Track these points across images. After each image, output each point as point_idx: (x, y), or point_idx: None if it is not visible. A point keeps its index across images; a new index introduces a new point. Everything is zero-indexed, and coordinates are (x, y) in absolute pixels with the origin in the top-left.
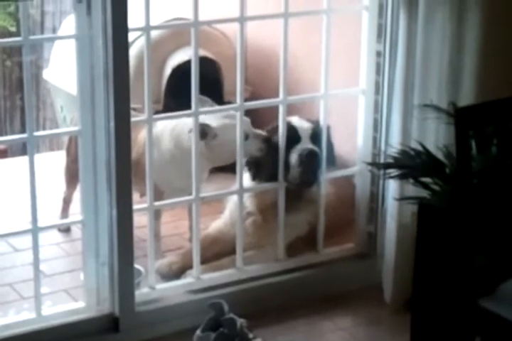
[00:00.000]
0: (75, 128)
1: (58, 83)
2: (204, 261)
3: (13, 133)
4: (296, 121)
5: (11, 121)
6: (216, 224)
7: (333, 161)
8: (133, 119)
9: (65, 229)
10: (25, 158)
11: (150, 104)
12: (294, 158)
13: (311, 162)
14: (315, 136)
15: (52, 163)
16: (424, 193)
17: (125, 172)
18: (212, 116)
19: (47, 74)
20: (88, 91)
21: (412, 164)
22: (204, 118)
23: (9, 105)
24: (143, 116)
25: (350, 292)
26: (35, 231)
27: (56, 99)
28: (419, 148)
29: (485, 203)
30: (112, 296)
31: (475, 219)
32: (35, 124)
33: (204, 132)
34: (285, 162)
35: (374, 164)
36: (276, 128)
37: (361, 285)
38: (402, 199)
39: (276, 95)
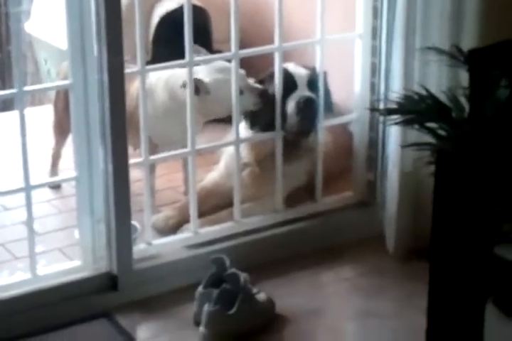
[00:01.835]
0: (66, 82)
1: (41, 36)
2: (201, 214)
3: None
4: (292, 67)
5: None
6: (211, 177)
7: (330, 108)
8: (125, 71)
9: (56, 186)
10: (7, 114)
11: (143, 54)
12: (291, 106)
13: (308, 109)
14: (312, 82)
15: (36, 119)
16: (428, 139)
17: (120, 126)
18: (206, 70)
19: (29, 27)
20: (78, 42)
21: (417, 109)
22: (196, 72)
23: None
24: (135, 68)
25: (352, 242)
26: (27, 189)
27: (39, 53)
28: (423, 92)
29: (501, 148)
30: (109, 254)
31: (492, 164)
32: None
33: (197, 88)
34: (282, 110)
35: (376, 110)
36: (272, 75)
37: (362, 235)
38: (408, 146)
39: (266, 43)
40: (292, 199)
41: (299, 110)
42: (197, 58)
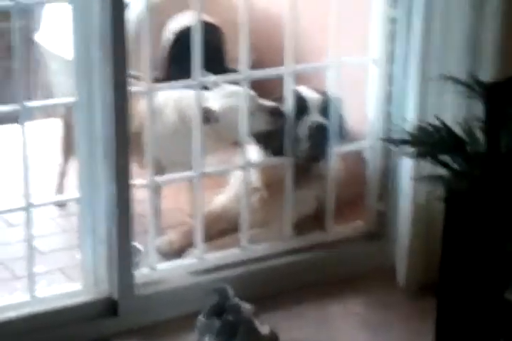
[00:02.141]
0: (70, 99)
1: (51, 47)
2: (207, 239)
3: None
4: (304, 91)
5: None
6: (220, 200)
7: (343, 135)
8: (131, 90)
9: (61, 204)
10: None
11: (150, 73)
12: (302, 131)
13: (319, 136)
14: (324, 108)
15: (49, 131)
16: (442, 171)
17: (123, 146)
18: (215, 95)
19: (39, 38)
20: (84, 58)
21: (431, 141)
22: (206, 98)
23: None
24: (142, 87)
25: (361, 274)
26: (28, 208)
27: (50, 64)
28: (437, 123)
29: None
30: (110, 278)
31: (505, 204)
32: (27, 91)
33: (206, 117)
34: (293, 134)
35: (389, 140)
36: (282, 98)
37: (372, 267)
38: (420, 179)
39: (283, 63)
40: (301, 226)
41: (310, 135)
42: (205, 79)
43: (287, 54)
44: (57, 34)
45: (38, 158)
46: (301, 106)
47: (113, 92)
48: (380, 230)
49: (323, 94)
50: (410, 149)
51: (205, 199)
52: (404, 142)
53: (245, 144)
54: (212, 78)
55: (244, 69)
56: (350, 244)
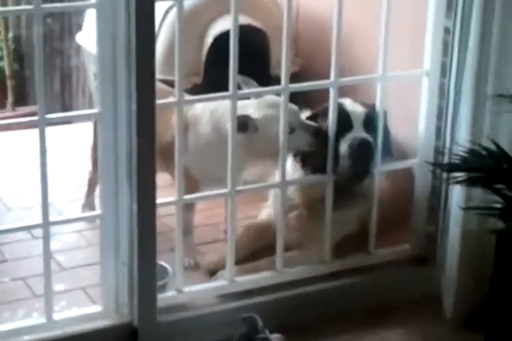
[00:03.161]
0: (94, 111)
1: (91, 48)
2: (248, 255)
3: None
4: (349, 104)
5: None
6: (264, 214)
7: (389, 151)
8: (159, 102)
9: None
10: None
11: (181, 84)
12: (344, 147)
13: (363, 152)
14: (369, 122)
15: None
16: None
17: (148, 162)
18: (255, 105)
19: (80, 39)
20: (109, 68)
21: (483, 166)
22: (245, 106)
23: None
24: (172, 99)
25: (404, 302)
26: (45, 226)
27: (89, 66)
28: (492, 146)
29: None
30: (131, 303)
31: None
32: (69, 92)
33: (245, 124)
34: (334, 152)
35: (438, 165)
36: (326, 110)
37: (416, 295)
38: (470, 208)
39: (330, 69)
40: (342, 248)
41: (352, 152)
42: (241, 92)
43: (333, 65)
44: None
45: (72, 161)
46: (344, 121)
47: (137, 104)
48: (429, 255)
49: (369, 107)
50: (460, 176)
51: (241, 214)
52: (454, 167)
53: (283, 159)
54: (252, 87)
55: (285, 82)
56: (394, 268)
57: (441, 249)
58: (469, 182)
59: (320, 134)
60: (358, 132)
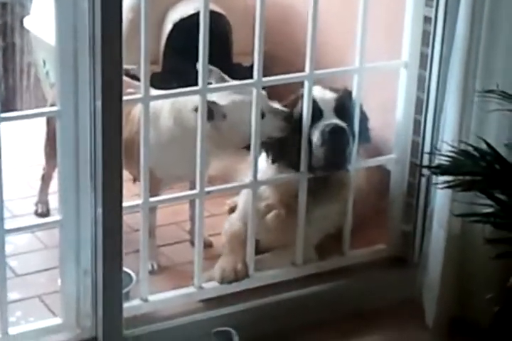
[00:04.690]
0: (53, 109)
1: (40, 34)
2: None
3: None
4: (317, 91)
5: None
6: (231, 220)
7: (367, 137)
8: (125, 98)
9: (43, 213)
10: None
11: (147, 81)
12: (315, 136)
13: (336, 140)
14: (341, 108)
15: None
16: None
17: (114, 163)
18: (224, 92)
19: (28, 23)
20: (70, 60)
21: (478, 170)
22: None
23: None
24: (137, 95)
25: (383, 307)
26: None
27: (38, 52)
28: (480, 145)
29: None
30: (94, 315)
31: None
32: (13, 81)
33: (210, 111)
34: (308, 144)
35: (428, 167)
36: (295, 101)
37: (396, 299)
38: (462, 215)
39: (295, 56)
40: (323, 248)
41: (325, 140)
42: (211, 86)
43: (309, 58)
44: (47, 19)
45: (23, 156)
46: (313, 109)
47: (102, 101)
48: (406, 255)
49: (340, 92)
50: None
51: (207, 211)
52: (444, 170)
53: (255, 151)
54: (218, 85)
55: (258, 76)
56: (370, 270)
57: (421, 249)
58: (464, 188)
59: (291, 119)
60: (329, 119)
